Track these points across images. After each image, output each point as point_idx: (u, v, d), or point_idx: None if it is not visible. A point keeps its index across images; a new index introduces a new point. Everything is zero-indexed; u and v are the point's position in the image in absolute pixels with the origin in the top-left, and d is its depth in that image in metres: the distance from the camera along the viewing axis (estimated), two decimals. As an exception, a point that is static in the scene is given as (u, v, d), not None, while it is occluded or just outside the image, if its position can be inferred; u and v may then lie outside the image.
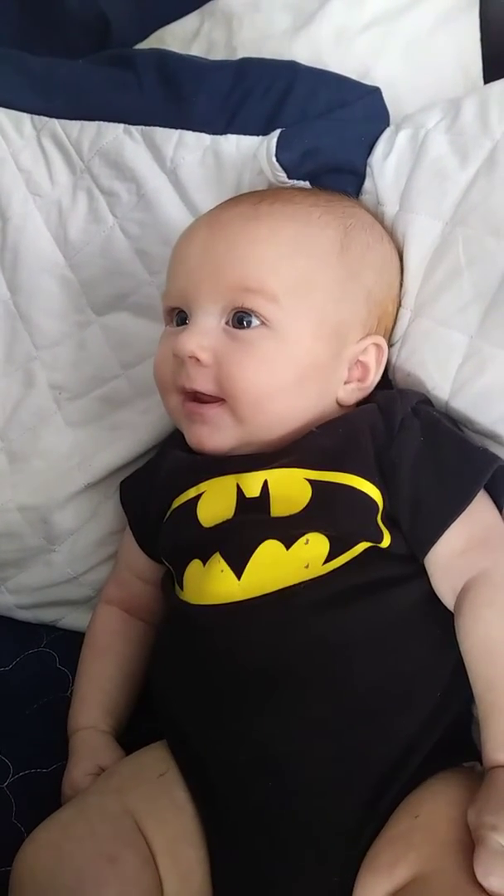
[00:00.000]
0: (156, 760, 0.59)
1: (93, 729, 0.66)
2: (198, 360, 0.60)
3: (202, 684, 0.58)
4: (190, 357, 0.60)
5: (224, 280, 0.60)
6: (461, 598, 0.55)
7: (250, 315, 0.60)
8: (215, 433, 0.61)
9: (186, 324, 0.63)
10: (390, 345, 0.68)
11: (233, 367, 0.60)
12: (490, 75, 0.79)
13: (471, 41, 0.81)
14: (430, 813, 0.51)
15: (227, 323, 0.61)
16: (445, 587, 0.57)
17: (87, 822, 0.55)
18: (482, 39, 0.81)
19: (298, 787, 0.53)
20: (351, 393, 0.64)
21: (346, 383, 0.64)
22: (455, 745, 0.56)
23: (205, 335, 0.61)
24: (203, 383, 0.61)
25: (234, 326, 0.61)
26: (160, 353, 0.65)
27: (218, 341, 0.60)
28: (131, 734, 0.67)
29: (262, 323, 0.60)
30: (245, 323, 0.60)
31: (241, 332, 0.60)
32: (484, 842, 0.45)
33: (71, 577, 0.80)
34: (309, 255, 0.62)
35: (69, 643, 0.77)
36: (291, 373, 0.61)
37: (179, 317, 0.64)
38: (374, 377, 0.65)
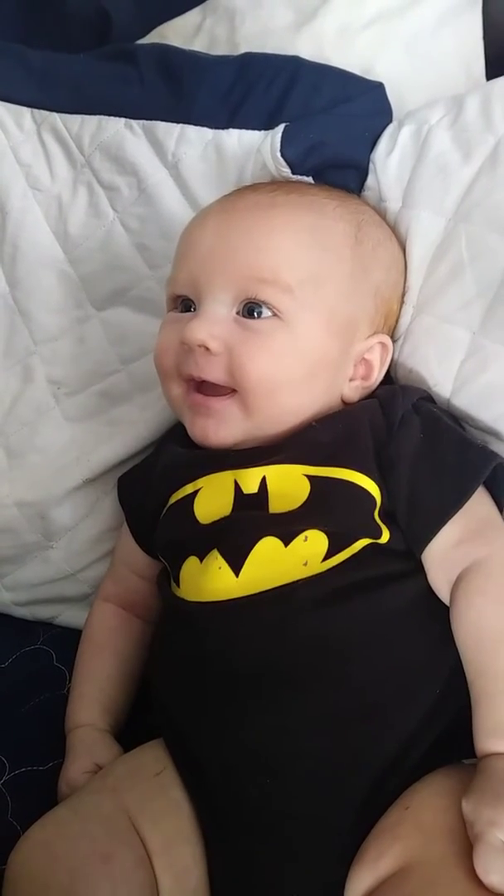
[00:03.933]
0: (152, 759, 0.59)
1: (90, 726, 0.66)
2: (207, 348, 0.59)
3: (199, 682, 0.57)
4: (200, 346, 0.59)
5: (237, 269, 0.60)
6: (455, 588, 0.55)
7: (261, 306, 0.59)
8: (222, 426, 0.61)
9: (192, 311, 0.62)
10: (392, 341, 0.67)
11: (244, 357, 0.59)
12: (492, 72, 0.79)
13: (473, 38, 0.80)
14: (419, 803, 0.51)
15: (237, 313, 0.60)
16: (441, 580, 0.56)
17: (81, 821, 0.54)
18: (485, 37, 0.80)
19: (295, 785, 0.53)
20: (355, 390, 0.64)
21: (350, 380, 0.64)
22: (454, 742, 0.55)
23: (215, 324, 0.60)
24: (212, 372, 0.60)
25: (244, 316, 0.60)
26: (163, 340, 0.63)
27: (228, 331, 0.59)
28: (129, 731, 0.66)
29: (275, 314, 0.60)
30: (256, 314, 0.60)
31: (252, 322, 0.60)
32: (483, 838, 0.45)
33: (68, 574, 0.79)
34: (324, 247, 0.62)
35: (66, 640, 0.77)
36: (302, 366, 0.60)
37: (184, 304, 0.63)
38: (377, 376, 0.65)
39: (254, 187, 0.66)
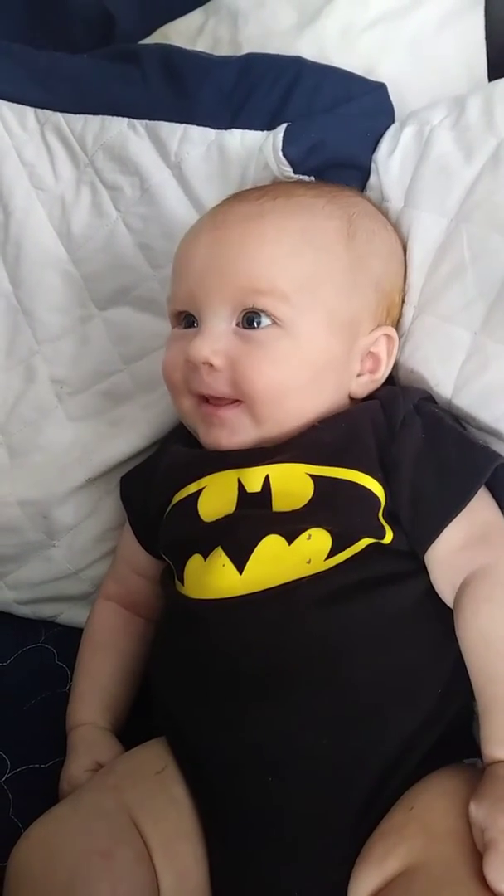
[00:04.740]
0: (154, 757, 0.59)
1: (91, 725, 0.66)
2: (212, 365, 0.59)
3: (201, 680, 0.57)
4: (204, 363, 0.59)
5: (233, 282, 0.60)
6: (460, 593, 0.55)
7: (260, 315, 0.60)
8: (234, 435, 0.61)
9: (195, 326, 0.62)
10: (394, 339, 0.67)
11: (248, 369, 0.59)
12: (494, 73, 0.79)
13: (476, 39, 0.81)
14: (424, 804, 0.51)
15: (237, 324, 0.60)
16: (444, 583, 0.56)
17: (81, 819, 0.54)
18: (487, 38, 0.80)
19: (297, 784, 0.53)
20: (364, 385, 0.64)
21: (358, 376, 0.64)
22: (455, 742, 0.56)
23: (217, 339, 0.60)
24: (219, 388, 0.60)
25: (244, 327, 0.60)
26: (170, 357, 0.64)
27: (230, 344, 0.60)
28: (131, 730, 0.66)
29: (274, 322, 0.60)
30: (255, 323, 0.60)
31: (252, 333, 0.60)
32: (497, 846, 0.45)
33: (70, 573, 0.80)
34: (317, 249, 0.62)
35: (68, 639, 0.77)
36: (308, 370, 0.60)
37: (187, 319, 0.64)
38: (385, 368, 0.65)
39: (240, 197, 0.66)
